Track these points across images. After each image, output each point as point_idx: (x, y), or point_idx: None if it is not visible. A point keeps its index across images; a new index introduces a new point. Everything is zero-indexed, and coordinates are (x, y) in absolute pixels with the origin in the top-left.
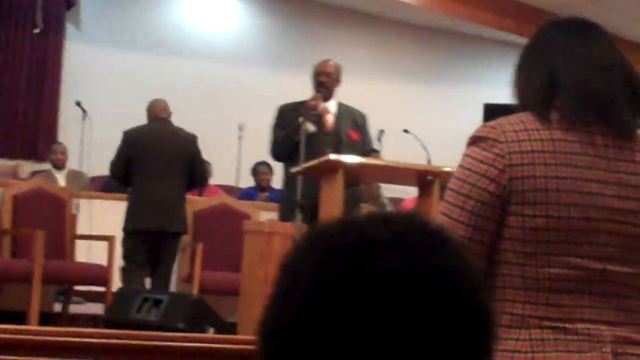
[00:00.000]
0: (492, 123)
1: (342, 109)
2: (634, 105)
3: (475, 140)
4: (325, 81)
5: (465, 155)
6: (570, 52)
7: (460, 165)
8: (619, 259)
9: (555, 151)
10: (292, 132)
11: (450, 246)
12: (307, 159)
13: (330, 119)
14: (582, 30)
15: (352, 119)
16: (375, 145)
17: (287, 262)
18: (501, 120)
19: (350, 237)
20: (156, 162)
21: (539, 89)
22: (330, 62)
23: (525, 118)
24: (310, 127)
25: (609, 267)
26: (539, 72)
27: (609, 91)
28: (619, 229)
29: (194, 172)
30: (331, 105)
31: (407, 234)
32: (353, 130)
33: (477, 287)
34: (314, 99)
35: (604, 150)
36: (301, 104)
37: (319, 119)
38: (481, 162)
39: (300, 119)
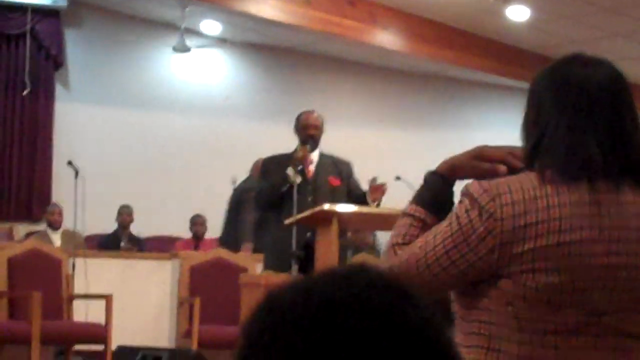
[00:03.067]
0: (492, 189)
1: (324, 157)
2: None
3: (470, 200)
4: (315, 134)
5: (460, 209)
6: (564, 104)
7: (454, 220)
8: (612, 311)
9: (550, 219)
10: (279, 183)
11: (414, 299)
12: (289, 208)
13: (311, 168)
14: (585, 68)
15: (334, 167)
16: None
17: (248, 329)
18: (503, 186)
19: (312, 299)
20: None
21: (532, 145)
22: (316, 114)
23: (527, 184)
24: (298, 179)
25: (603, 317)
26: (534, 127)
27: (597, 153)
28: (613, 286)
29: None
30: (314, 155)
31: (368, 291)
32: (333, 176)
33: (447, 337)
34: (302, 150)
35: (597, 208)
36: (286, 156)
37: (302, 170)
38: (473, 232)
39: (289, 171)
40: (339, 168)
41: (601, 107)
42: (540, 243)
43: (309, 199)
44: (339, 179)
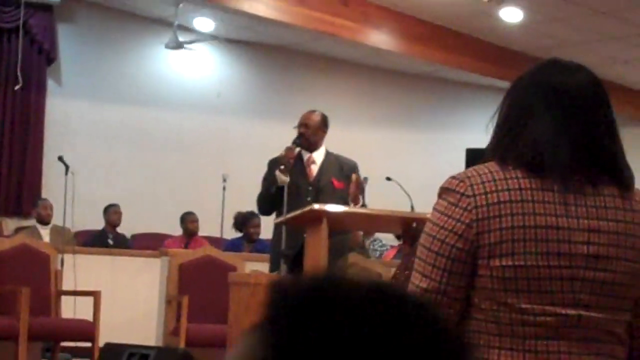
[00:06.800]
0: (460, 175)
1: (330, 158)
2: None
3: (443, 193)
4: (304, 132)
5: (434, 209)
6: (548, 100)
7: (430, 220)
8: (594, 305)
9: (523, 200)
10: (268, 184)
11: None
12: (289, 209)
13: (313, 169)
14: (564, 73)
15: (339, 168)
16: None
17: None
18: (470, 171)
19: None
20: None
21: (506, 135)
22: (312, 113)
23: (493, 168)
24: (285, 179)
25: (584, 313)
26: (509, 119)
27: (568, 151)
28: (593, 276)
29: None
30: (318, 155)
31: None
32: (337, 178)
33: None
34: (286, 150)
35: (572, 198)
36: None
37: (302, 170)
38: (449, 217)
39: (277, 172)
40: (343, 169)
41: (577, 111)
42: (517, 222)
43: (308, 200)
44: (342, 181)
